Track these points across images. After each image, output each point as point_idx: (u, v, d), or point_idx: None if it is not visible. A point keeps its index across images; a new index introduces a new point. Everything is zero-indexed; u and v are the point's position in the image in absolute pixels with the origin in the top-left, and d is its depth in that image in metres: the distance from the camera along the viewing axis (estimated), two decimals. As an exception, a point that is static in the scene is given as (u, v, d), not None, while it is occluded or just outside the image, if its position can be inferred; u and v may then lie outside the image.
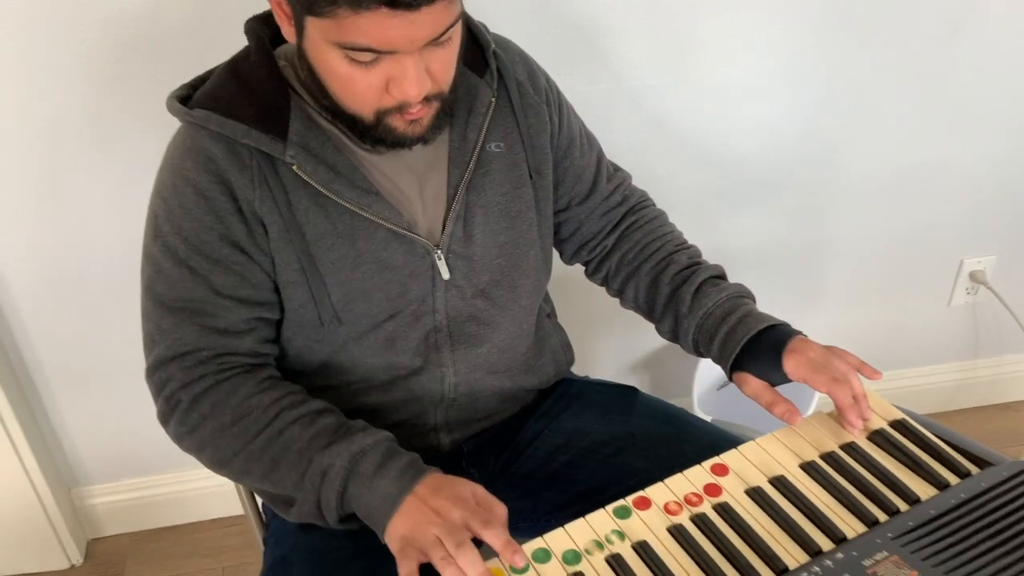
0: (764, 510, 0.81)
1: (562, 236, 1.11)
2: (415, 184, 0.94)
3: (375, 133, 0.85)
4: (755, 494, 0.83)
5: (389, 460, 0.82)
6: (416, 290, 0.94)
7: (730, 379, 0.97)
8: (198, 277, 0.87)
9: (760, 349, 0.94)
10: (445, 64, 0.83)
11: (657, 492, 0.84)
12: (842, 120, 1.51)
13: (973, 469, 0.85)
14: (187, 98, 0.91)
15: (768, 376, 0.93)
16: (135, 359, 1.56)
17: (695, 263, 1.05)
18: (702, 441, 1.04)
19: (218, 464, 0.89)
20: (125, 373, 1.53)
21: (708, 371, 1.64)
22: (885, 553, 0.74)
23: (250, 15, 0.93)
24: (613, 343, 1.71)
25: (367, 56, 0.77)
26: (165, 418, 0.90)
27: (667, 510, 0.82)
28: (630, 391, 1.12)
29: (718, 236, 1.58)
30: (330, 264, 0.90)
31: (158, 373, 0.89)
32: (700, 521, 0.80)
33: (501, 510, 0.80)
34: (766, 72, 1.44)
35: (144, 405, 1.56)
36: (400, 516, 0.79)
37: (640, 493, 0.84)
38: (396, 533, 0.79)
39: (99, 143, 1.32)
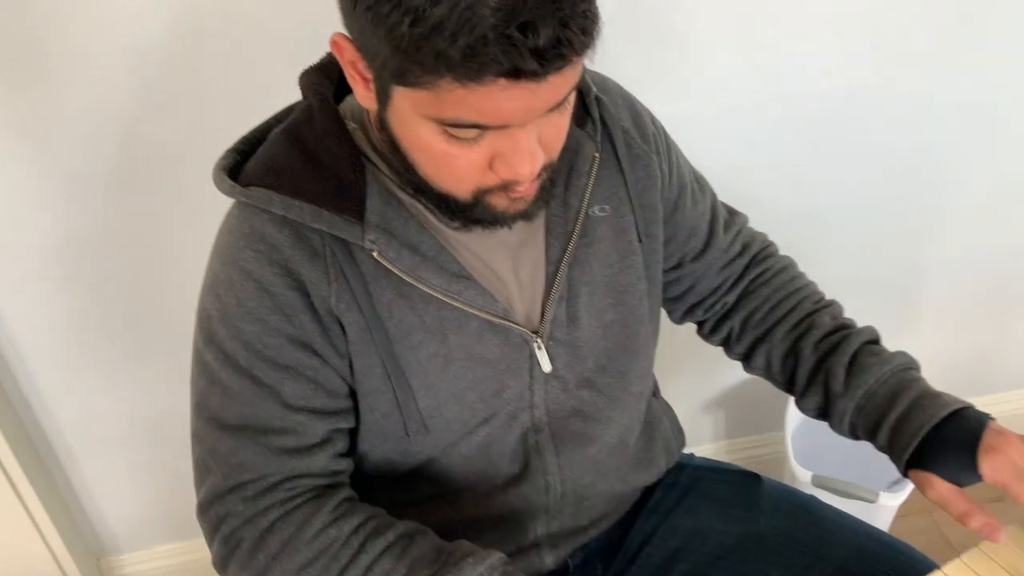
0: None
1: (671, 295, 0.94)
2: (509, 262, 0.77)
3: (471, 214, 0.69)
4: (962, 651, 0.67)
5: None
6: (514, 387, 0.78)
7: (904, 475, 0.81)
8: (263, 388, 0.71)
9: (945, 444, 0.77)
10: (559, 131, 0.66)
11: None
12: (948, 135, 1.33)
13: None
14: (236, 167, 0.75)
15: (957, 477, 0.76)
16: (159, 419, 1.44)
17: (842, 325, 0.88)
18: (846, 544, 0.88)
19: None
20: (150, 433, 1.39)
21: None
22: None
23: (293, 58, 0.76)
24: (685, 377, 1.55)
25: (471, 132, 0.61)
26: (223, 563, 0.74)
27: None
28: (751, 479, 0.96)
29: (807, 263, 1.42)
30: (417, 365, 0.74)
31: (214, 508, 0.73)
32: None
33: None
34: (864, 82, 1.26)
35: (174, 468, 1.42)
36: None
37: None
38: None
39: (121, 197, 1.15)
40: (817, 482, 1.30)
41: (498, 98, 0.57)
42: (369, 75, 0.63)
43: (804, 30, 1.19)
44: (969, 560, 0.74)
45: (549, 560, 0.87)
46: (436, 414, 0.76)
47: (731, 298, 0.94)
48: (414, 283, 0.72)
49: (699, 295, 0.94)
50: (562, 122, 0.66)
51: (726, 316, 0.94)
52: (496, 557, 0.71)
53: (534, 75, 0.55)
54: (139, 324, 1.27)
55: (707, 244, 0.91)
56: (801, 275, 0.95)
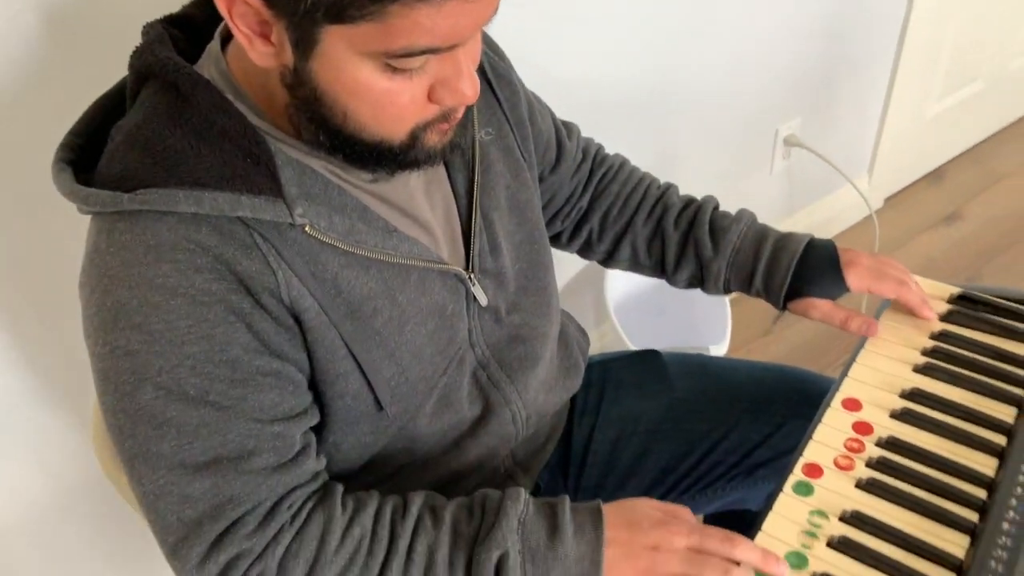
0: (927, 430, 0.78)
1: None
2: (425, 205, 0.75)
3: (406, 157, 0.65)
4: (906, 417, 0.79)
5: (554, 518, 0.68)
6: (462, 330, 0.76)
7: (784, 308, 0.91)
8: (227, 412, 0.62)
9: (813, 270, 0.88)
10: (479, 51, 0.65)
11: (815, 452, 0.77)
12: (668, 32, 1.48)
13: (1045, 316, 0.87)
14: (76, 168, 0.65)
15: (830, 294, 0.89)
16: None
17: (689, 200, 0.97)
18: (749, 382, 0.98)
19: None
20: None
21: (619, 293, 1.57)
22: (1067, 426, 0.74)
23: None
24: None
25: (418, 61, 0.58)
26: None
27: (840, 467, 0.75)
28: (652, 355, 1.03)
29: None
30: (376, 335, 0.69)
31: (212, 559, 0.62)
32: (883, 466, 0.75)
33: (690, 515, 0.71)
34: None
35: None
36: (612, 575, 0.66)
37: (803, 460, 0.76)
38: None
39: None
40: (658, 356, 1.41)
41: (456, 13, 0.55)
42: (275, 26, 0.58)
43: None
44: (873, 348, 0.87)
45: (524, 484, 0.88)
46: (402, 380, 0.72)
47: (584, 202, 0.98)
48: (351, 250, 0.67)
49: (557, 205, 0.97)
50: (480, 39, 0.65)
51: (583, 220, 0.99)
52: (522, 491, 0.70)
53: None
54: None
55: (559, 154, 0.94)
56: (635, 167, 1.01)
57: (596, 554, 0.66)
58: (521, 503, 0.68)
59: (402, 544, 0.65)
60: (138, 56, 0.66)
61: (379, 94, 0.59)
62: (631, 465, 0.95)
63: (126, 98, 0.69)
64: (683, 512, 0.70)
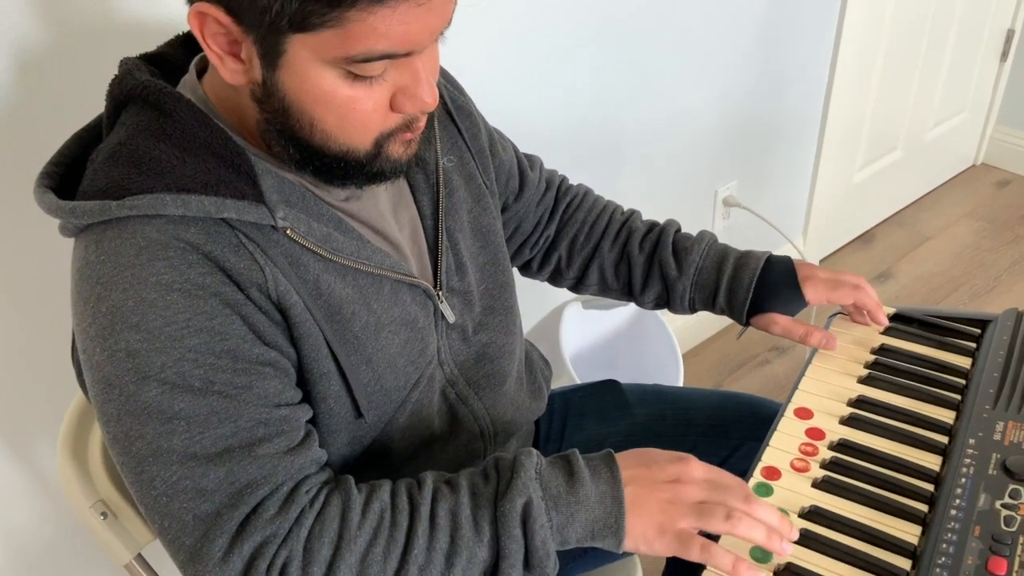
0: (874, 433, 0.82)
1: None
2: (393, 224, 0.78)
3: (371, 168, 0.69)
4: (854, 422, 0.83)
5: (568, 466, 0.69)
6: (432, 344, 0.79)
7: (746, 324, 0.96)
8: (234, 400, 0.63)
9: (772, 286, 0.93)
10: (437, 62, 0.70)
11: (772, 457, 0.81)
12: (613, 91, 1.57)
13: (975, 331, 0.94)
14: (54, 189, 0.67)
15: (790, 310, 0.94)
16: None
17: (652, 224, 1.02)
18: (703, 407, 1.02)
19: None
20: None
21: (572, 348, 1.61)
22: (1001, 423, 0.79)
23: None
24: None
25: (378, 67, 0.62)
26: None
27: (796, 469, 0.79)
28: (611, 384, 1.06)
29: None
30: (355, 339, 0.71)
31: (236, 549, 0.62)
32: (836, 466, 0.78)
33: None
34: (538, 58, 1.44)
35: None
36: (636, 511, 0.68)
37: (761, 464, 0.80)
38: (647, 528, 0.67)
39: None
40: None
41: (408, 17, 0.60)
42: (244, 41, 0.62)
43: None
44: (820, 363, 0.91)
45: (494, 506, 0.89)
46: (377, 387, 0.74)
47: (551, 230, 1.03)
48: (329, 256, 0.70)
49: (524, 234, 1.01)
50: (437, 52, 0.69)
51: (551, 248, 1.03)
52: (532, 449, 0.71)
53: None
54: None
55: (522, 184, 0.98)
56: (599, 195, 1.07)
57: (616, 491, 0.67)
58: (535, 457, 0.69)
59: (424, 511, 0.66)
60: (118, 83, 0.69)
61: (343, 101, 0.63)
62: (595, 489, 0.97)
63: (103, 130, 0.71)
64: (689, 456, 0.72)
